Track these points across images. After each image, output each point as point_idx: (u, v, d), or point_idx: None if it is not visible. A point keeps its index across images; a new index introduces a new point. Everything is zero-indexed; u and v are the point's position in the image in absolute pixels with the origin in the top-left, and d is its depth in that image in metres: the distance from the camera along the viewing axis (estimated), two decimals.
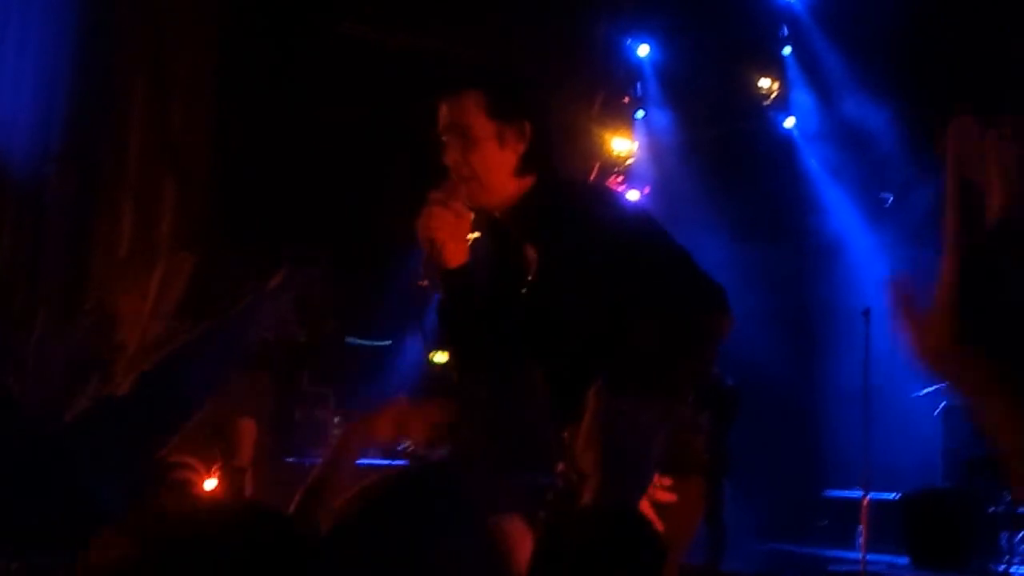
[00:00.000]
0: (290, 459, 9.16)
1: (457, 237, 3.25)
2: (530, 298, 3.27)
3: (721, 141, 12.41)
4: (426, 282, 3.27)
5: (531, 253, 3.27)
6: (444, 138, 3.26)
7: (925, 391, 10.61)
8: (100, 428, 2.93)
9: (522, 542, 2.55)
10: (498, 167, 3.24)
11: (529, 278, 3.26)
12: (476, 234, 3.34)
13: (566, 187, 3.35)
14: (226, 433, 6.48)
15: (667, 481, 3.17)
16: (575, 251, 3.15)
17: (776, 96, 12.63)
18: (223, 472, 5.94)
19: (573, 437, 3.07)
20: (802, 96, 12.69)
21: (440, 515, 2.09)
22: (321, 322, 9.64)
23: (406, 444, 10.69)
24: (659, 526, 2.80)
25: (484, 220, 3.39)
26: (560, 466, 3.31)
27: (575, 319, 3.18)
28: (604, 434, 2.93)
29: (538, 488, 3.38)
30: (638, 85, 12.85)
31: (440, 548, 2.05)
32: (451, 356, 3.44)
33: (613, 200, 3.36)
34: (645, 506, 3.04)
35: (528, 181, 3.26)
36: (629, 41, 12.71)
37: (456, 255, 3.25)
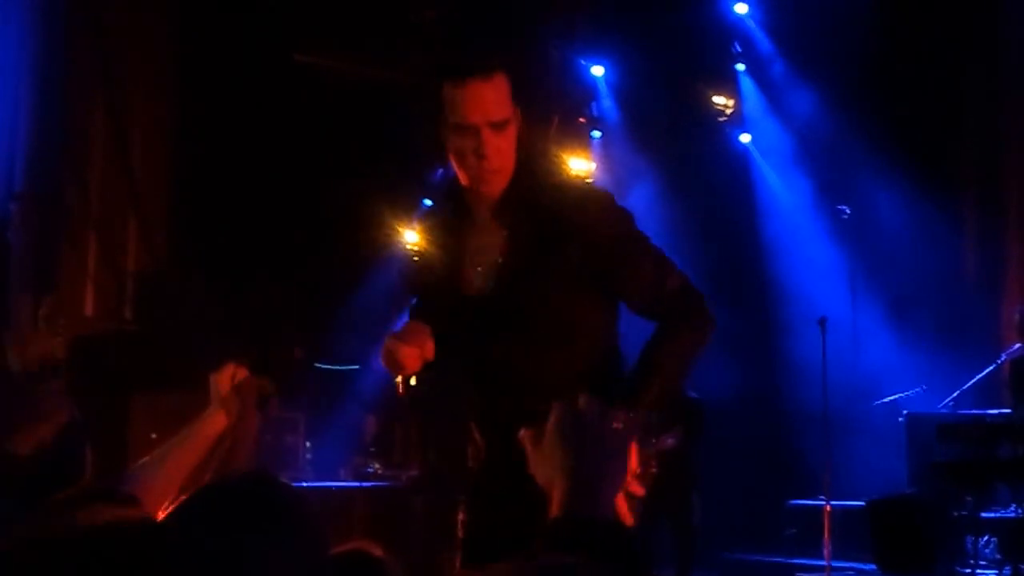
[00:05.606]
0: None
1: (421, 363, 3.06)
2: (495, 284, 3.10)
3: (678, 158, 12.52)
4: (402, 391, 3.17)
5: (500, 238, 3.11)
6: (471, 122, 2.98)
7: (888, 399, 10.71)
8: None
9: None
10: (513, 153, 3.07)
11: (499, 262, 3.08)
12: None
13: (552, 175, 3.22)
14: None
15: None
16: (556, 239, 3.01)
17: (732, 112, 12.73)
18: None
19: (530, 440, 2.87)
20: (757, 111, 12.81)
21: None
22: (289, 348, 9.62)
23: (375, 467, 10.70)
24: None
25: (461, 205, 3.19)
26: (471, 459, 3.17)
27: (541, 308, 3.03)
28: (571, 442, 2.88)
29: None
30: (593, 105, 12.95)
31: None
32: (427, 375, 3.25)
33: (602, 195, 3.18)
34: (620, 499, 2.89)
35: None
36: (583, 62, 12.82)
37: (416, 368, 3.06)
